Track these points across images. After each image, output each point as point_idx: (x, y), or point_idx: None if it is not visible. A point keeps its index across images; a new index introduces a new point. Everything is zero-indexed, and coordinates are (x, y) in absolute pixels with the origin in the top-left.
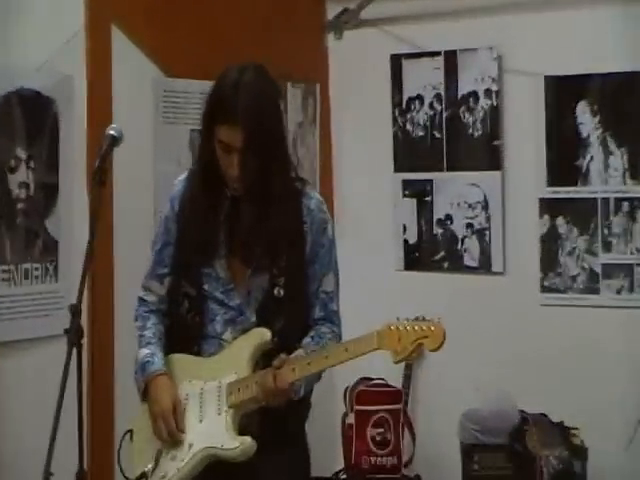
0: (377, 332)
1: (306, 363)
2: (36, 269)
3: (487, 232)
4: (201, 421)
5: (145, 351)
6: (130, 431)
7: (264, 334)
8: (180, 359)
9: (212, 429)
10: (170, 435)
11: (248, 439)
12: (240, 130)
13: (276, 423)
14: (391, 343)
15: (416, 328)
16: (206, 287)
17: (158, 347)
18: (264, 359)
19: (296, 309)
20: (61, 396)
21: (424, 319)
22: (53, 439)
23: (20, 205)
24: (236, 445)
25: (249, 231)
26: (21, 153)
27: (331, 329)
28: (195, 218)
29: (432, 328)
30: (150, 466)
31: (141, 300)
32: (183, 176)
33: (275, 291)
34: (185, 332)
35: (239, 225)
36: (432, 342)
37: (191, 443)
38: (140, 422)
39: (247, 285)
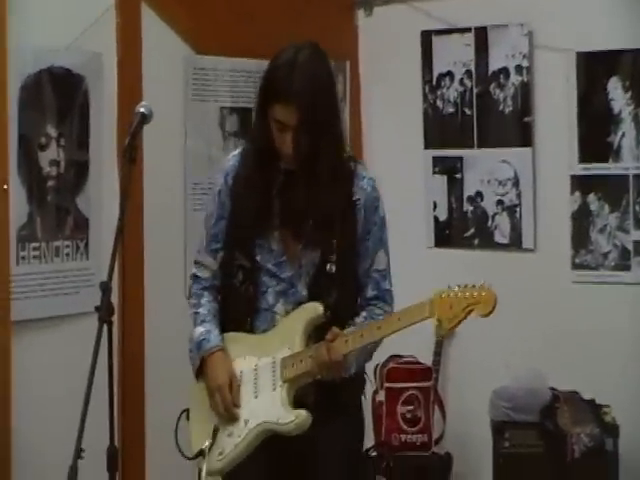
0: (429, 300)
1: (359, 335)
2: (67, 246)
3: (518, 209)
4: (256, 397)
5: (200, 329)
6: (186, 410)
7: (317, 308)
8: (234, 337)
9: (267, 404)
10: (226, 410)
11: (303, 412)
12: (294, 109)
13: (331, 395)
14: (443, 311)
15: (467, 295)
16: (259, 258)
17: (214, 324)
18: (317, 334)
19: (348, 285)
20: (92, 373)
21: (474, 286)
22: (84, 416)
23: (51, 183)
24: (292, 419)
25: (301, 206)
26: (52, 131)
27: (383, 309)
28: (249, 192)
29: (483, 294)
30: (207, 443)
31: (195, 277)
32: (236, 151)
33: (327, 267)
34: (238, 305)
35: (292, 199)
36: (484, 308)
37: (247, 419)
38: (195, 401)
39: (299, 259)
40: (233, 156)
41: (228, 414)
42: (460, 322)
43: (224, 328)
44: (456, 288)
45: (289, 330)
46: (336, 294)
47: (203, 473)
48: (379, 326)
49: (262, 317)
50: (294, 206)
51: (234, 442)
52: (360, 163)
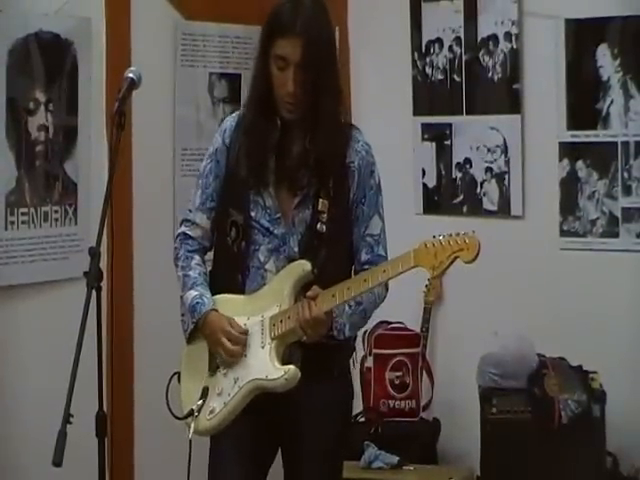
0: (413, 250)
1: (346, 287)
2: (55, 212)
3: (506, 176)
4: (246, 355)
5: (193, 293)
6: (177, 374)
7: (304, 265)
8: (222, 299)
9: (256, 362)
10: (237, 343)
11: (292, 368)
12: (298, 43)
13: (319, 360)
14: (428, 260)
15: (451, 243)
16: (253, 214)
17: (205, 288)
18: (306, 292)
19: (337, 245)
20: (80, 338)
21: (458, 234)
22: (73, 381)
23: (39, 148)
24: (281, 374)
25: (299, 156)
26: (40, 95)
27: None
28: (248, 145)
29: (467, 241)
30: (199, 403)
31: (184, 235)
32: (235, 113)
33: (318, 226)
34: (230, 262)
35: (289, 151)
36: (468, 254)
37: (237, 377)
38: (187, 364)
39: (292, 216)
40: (231, 117)
41: (239, 345)
42: (445, 270)
43: (215, 288)
44: (441, 237)
45: (278, 288)
46: (325, 253)
47: (191, 431)
48: (365, 278)
49: (252, 276)
50: (290, 160)
51: (224, 400)
52: (356, 129)
